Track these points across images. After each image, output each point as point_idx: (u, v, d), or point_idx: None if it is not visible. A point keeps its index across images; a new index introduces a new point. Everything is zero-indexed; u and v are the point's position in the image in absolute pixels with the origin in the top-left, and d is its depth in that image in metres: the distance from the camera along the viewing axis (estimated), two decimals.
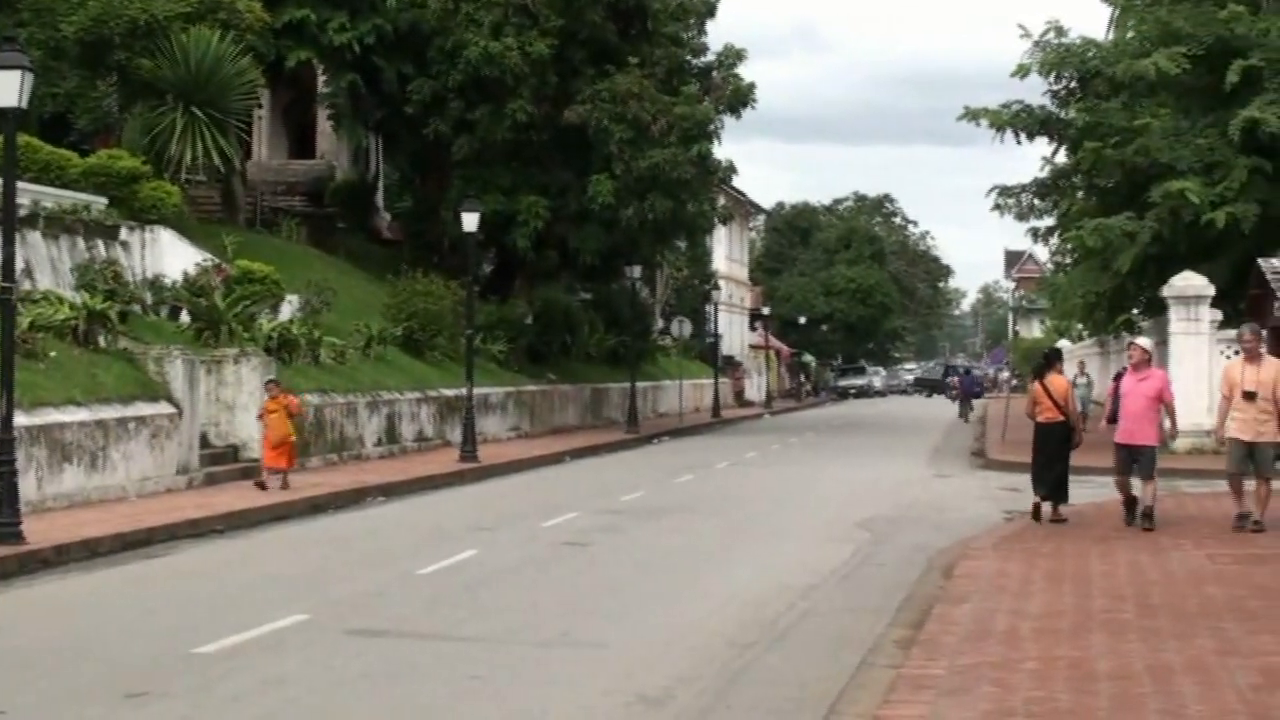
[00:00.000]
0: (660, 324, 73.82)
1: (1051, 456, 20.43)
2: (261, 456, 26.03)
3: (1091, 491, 21.75)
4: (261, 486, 24.73)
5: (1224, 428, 18.53)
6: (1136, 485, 19.11)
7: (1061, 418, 20.35)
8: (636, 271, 53.67)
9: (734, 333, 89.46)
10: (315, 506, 24.23)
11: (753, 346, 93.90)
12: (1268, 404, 18.09)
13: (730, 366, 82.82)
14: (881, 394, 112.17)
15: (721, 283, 79.94)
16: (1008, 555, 16.86)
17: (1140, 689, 10.04)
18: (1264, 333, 20.27)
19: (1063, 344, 70.02)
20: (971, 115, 39.28)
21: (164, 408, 25.30)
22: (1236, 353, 22.91)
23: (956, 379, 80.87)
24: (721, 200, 62.18)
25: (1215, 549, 16.74)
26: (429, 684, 11.20)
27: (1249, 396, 18.05)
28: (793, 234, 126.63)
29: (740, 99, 49.11)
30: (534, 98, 44.56)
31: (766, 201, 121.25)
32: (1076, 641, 11.70)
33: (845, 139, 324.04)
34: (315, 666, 11.82)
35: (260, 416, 25.91)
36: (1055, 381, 20.67)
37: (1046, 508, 20.20)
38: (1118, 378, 19.99)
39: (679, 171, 45.01)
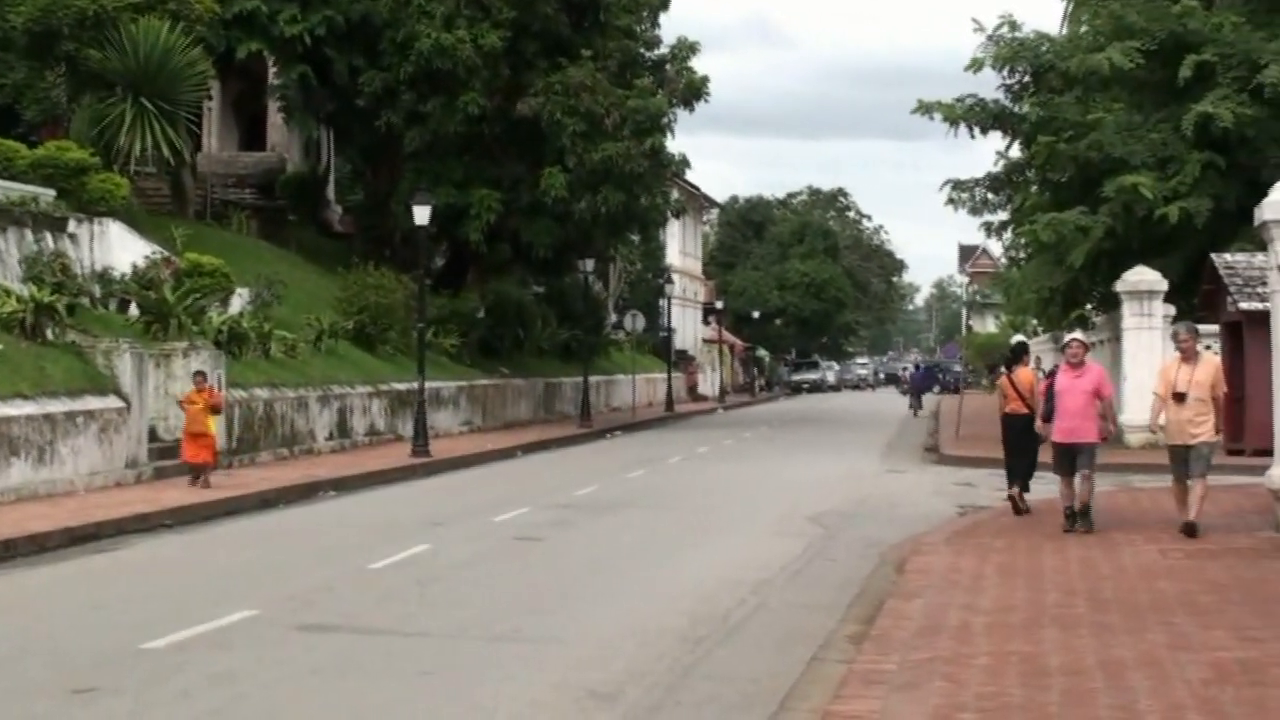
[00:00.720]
0: (613, 318, 73.84)
1: (1016, 447, 20.85)
2: (182, 451, 25.51)
3: (1044, 487, 21.74)
4: (205, 485, 24.19)
5: (1159, 429, 18.17)
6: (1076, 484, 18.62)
7: (1026, 410, 20.70)
8: (589, 265, 53.67)
9: (687, 327, 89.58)
10: (265, 501, 24.10)
11: (706, 341, 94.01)
12: (1203, 405, 17.58)
13: (684, 361, 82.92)
14: (835, 388, 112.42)
15: (675, 277, 79.96)
16: (960, 550, 16.88)
17: (1091, 684, 10.03)
18: (1199, 330, 20.00)
19: (1017, 338, 70.19)
20: (925, 109, 39.36)
21: (112, 401, 25.13)
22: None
23: (906, 373, 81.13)
24: (675, 194, 62.14)
25: (1167, 544, 16.77)
26: (379, 679, 11.12)
27: (1179, 398, 17.55)
28: (746, 228, 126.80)
29: (693, 92, 49.09)
30: (486, 90, 44.44)
31: (720, 195, 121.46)
32: (1028, 636, 11.69)
33: (799, 133, 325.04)
34: (265, 662, 11.73)
35: (181, 404, 25.52)
36: (1021, 375, 21.23)
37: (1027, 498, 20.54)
38: (1051, 375, 19.72)
39: (632, 165, 44.96)
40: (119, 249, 31.93)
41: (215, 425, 25.53)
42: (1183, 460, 17.70)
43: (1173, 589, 13.79)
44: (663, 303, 76.01)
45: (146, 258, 31.55)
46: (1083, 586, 14.04)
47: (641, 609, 14.20)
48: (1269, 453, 18.44)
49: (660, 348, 75.79)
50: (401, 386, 37.81)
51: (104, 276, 31.22)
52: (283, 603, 14.37)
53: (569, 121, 44.20)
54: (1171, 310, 33.62)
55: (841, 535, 19.93)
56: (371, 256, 44.66)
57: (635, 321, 68.75)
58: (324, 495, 25.78)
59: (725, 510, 23.67)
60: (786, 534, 19.98)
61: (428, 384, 35.00)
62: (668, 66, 50.33)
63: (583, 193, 45.13)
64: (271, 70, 48.42)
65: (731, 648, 12.34)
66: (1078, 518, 18.19)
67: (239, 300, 33.93)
